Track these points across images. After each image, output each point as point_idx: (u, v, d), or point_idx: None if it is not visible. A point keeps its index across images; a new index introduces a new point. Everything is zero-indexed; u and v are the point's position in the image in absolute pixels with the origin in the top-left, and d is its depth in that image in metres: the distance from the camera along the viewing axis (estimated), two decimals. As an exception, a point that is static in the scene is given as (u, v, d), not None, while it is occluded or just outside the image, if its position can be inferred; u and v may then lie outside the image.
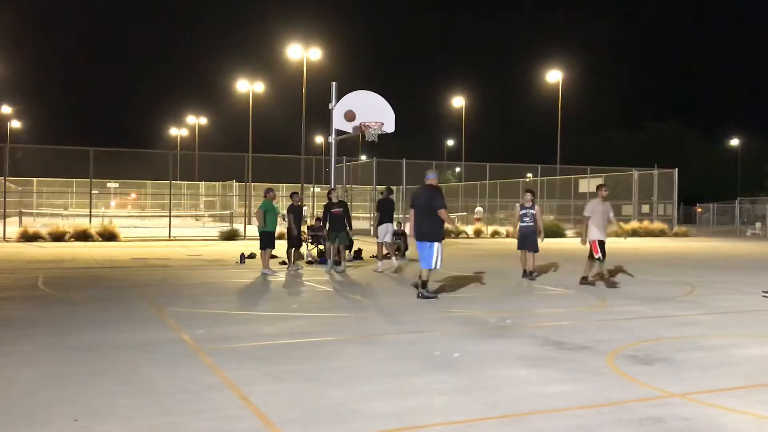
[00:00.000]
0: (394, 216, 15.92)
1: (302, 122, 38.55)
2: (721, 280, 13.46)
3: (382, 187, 17.94)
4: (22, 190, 41.44)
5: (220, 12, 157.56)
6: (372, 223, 16.45)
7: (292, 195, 15.31)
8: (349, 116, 14.96)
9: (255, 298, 10.39)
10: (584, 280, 12.01)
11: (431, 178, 10.23)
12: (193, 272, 14.03)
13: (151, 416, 4.56)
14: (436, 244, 9.85)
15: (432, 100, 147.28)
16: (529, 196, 12.95)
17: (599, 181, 34.92)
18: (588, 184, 34.50)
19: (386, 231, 15.00)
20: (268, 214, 13.82)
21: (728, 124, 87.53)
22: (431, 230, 9.86)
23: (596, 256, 11.67)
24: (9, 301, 9.66)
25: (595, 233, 11.71)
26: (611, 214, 12.09)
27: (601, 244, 11.71)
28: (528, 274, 12.79)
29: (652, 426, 4.48)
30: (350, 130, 15.41)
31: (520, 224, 12.85)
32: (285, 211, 15.14)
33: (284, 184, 44.58)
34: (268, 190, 14.55)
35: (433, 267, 9.89)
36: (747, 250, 23.09)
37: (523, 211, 12.82)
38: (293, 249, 14.73)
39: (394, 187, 20.57)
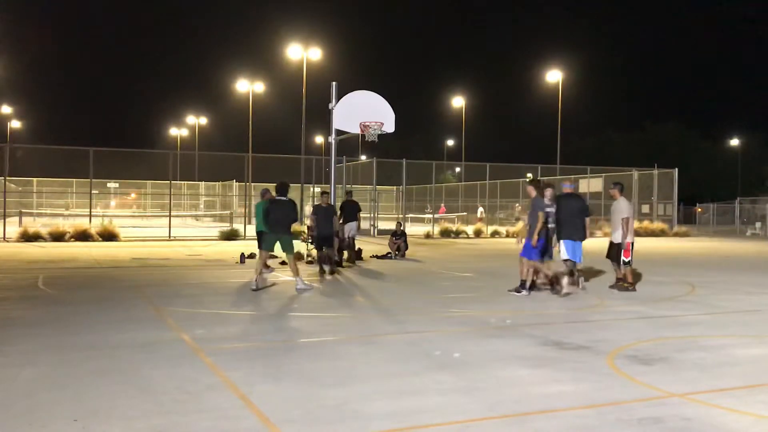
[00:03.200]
0: (398, 217, 15.99)
1: (302, 122, 38.56)
2: (721, 280, 13.46)
3: (381, 188, 18.02)
4: (22, 190, 41.43)
5: (220, 12, 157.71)
6: (340, 221, 16.51)
7: (322, 195, 14.87)
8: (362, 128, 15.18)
9: (255, 298, 10.38)
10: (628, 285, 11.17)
11: (570, 187, 11.56)
12: (193, 272, 14.04)
13: (151, 416, 4.56)
14: (581, 243, 11.26)
15: (432, 100, 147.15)
16: (550, 192, 10.97)
17: (599, 181, 34.94)
18: (588, 184, 34.46)
19: (350, 229, 15.97)
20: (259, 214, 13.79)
21: (728, 124, 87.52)
22: (583, 232, 11.16)
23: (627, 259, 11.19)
24: (9, 301, 9.66)
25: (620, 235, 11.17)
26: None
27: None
28: (532, 285, 10.91)
29: (652, 426, 4.48)
30: (350, 130, 15.40)
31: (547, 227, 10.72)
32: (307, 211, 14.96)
33: (284, 185, 44.43)
34: (265, 191, 14.40)
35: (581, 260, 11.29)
36: (747, 250, 23.08)
37: (549, 210, 10.79)
38: (323, 249, 14.12)
39: (391, 187, 20.50)
